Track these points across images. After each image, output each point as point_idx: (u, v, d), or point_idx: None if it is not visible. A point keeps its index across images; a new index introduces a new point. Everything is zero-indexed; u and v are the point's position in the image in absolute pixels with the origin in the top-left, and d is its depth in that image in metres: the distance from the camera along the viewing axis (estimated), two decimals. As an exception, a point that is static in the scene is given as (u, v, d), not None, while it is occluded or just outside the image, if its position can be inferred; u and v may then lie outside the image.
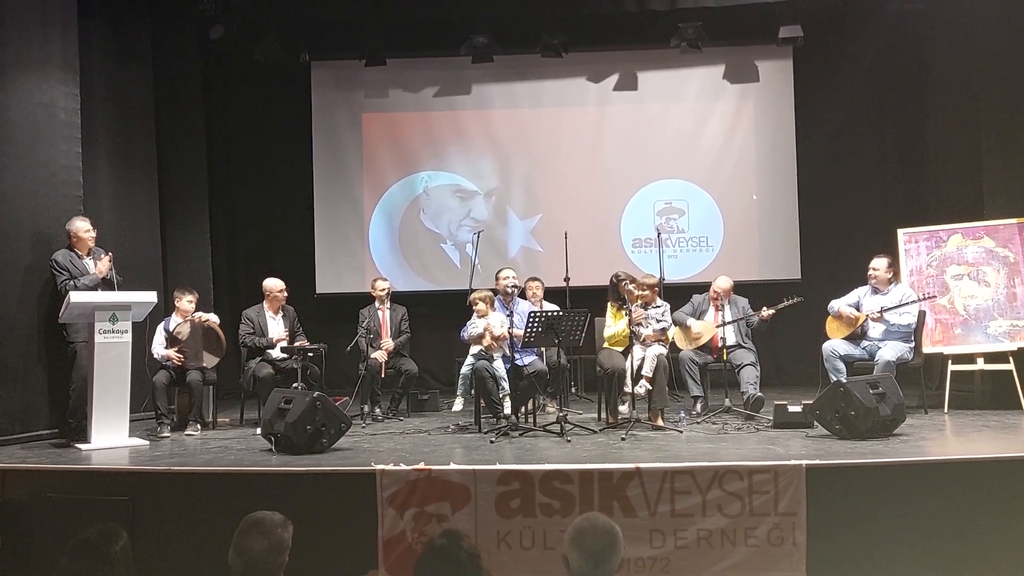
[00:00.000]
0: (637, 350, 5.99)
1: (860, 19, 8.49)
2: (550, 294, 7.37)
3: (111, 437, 5.68)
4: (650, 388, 5.99)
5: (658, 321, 6.21)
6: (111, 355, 5.74)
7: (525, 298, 7.08)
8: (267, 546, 2.71)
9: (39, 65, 6.31)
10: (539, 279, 7.36)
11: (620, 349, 6.20)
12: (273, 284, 6.99)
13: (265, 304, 6.95)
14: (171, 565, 4.30)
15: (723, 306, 6.79)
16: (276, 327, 6.89)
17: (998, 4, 6.90)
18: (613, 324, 6.31)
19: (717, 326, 6.67)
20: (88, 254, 6.13)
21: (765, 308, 6.63)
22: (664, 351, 6.16)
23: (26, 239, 6.12)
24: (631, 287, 6.22)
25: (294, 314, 7.07)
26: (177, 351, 6.38)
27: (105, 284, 6.03)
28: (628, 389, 5.99)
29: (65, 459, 5.30)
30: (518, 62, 9.05)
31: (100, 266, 6.04)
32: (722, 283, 6.88)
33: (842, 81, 8.84)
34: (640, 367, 5.98)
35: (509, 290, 6.76)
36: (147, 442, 5.84)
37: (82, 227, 6.11)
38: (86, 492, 4.61)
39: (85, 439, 5.69)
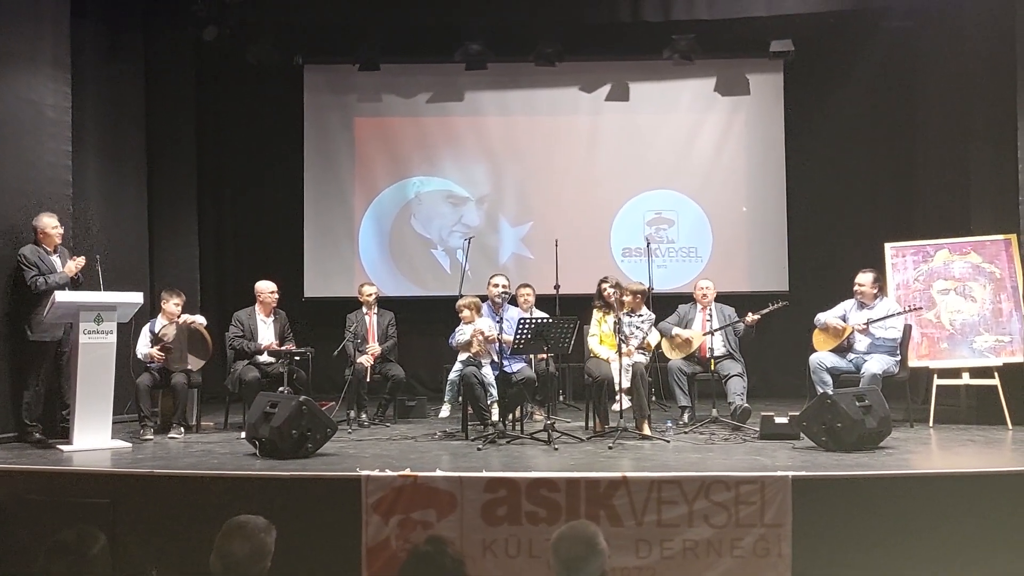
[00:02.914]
0: (617, 361, 5.95)
1: (851, 35, 8.55)
2: (540, 301, 7.36)
3: (93, 439, 5.63)
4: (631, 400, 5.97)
5: (638, 327, 6.18)
6: (95, 356, 5.68)
7: (516, 305, 7.07)
8: (249, 550, 2.68)
9: (29, 62, 6.29)
10: (531, 286, 7.35)
11: (609, 350, 6.16)
12: (264, 286, 6.95)
13: (257, 307, 6.91)
14: (152, 569, 4.25)
15: (711, 314, 6.78)
16: (267, 331, 6.84)
17: (988, 22, 6.97)
18: (597, 328, 6.31)
19: (705, 333, 6.68)
20: (54, 251, 6.04)
21: (751, 313, 6.64)
22: (644, 360, 6.14)
23: (14, 237, 6.04)
24: (611, 290, 6.22)
25: (285, 319, 7.02)
26: (160, 349, 6.33)
27: (72, 284, 5.95)
28: (615, 408, 5.96)
29: (46, 460, 5.23)
30: (512, 70, 9.07)
31: (71, 265, 5.95)
32: (705, 283, 6.93)
33: (832, 95, 8.90)
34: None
35: (498, 298, 6.74)
36: (129, 444, 5.78)
37: (50, 223, 5.98)
38: (67, 494, 4.56)
39: (40, 442, 5.65)
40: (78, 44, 6.82)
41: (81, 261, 6.00)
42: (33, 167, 6.26)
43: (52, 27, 6.45)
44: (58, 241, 6.05)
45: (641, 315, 6.24)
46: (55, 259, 6.01)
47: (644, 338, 6.18)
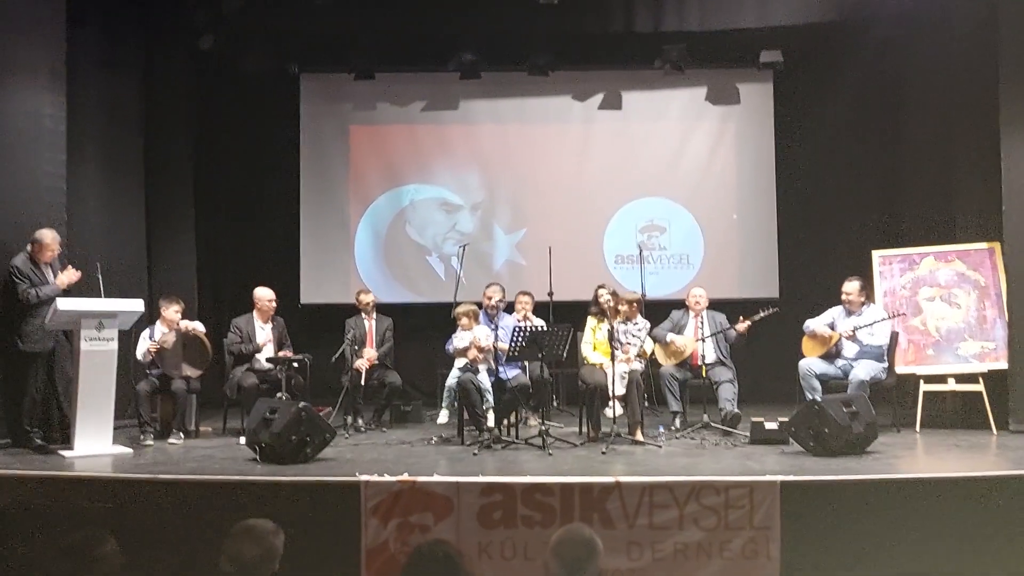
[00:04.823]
0: (614, 367, 6.07)
1: (840, 45, 8.65)
2: (534, 308, 7.43)
3: (94, 444, 5.69)
4: (624, 406, 6.07)
5: (635, 336, 6.29)
6: (96, 362, 5.74)
7: (512, 312, 7.15)
8: (259, 553, 2.75)
9: (27, 72, 6.31)
10: (530, 293, 7.40)
11: (603, 356, 6.26)
12: (263, 293, 7.02)
13: (255, 314, 6.98)
14: (154, 574, 4.31)
15: (703, 321, 6.89)
16: (264, 337, 6.92)
17: (973, 34, 7.10)
18: (592, 335, 6.41)
19: (697, 339, 6.78)
20: (47, 263, 6.00)
21: (741, 320, 6.74)
22: (639, 367, 6.25)
23: (8, 247, 6.05)
24: (608, 297, 6.33)
25: (283, 325, 7.10)
26: (157, 351, 6.38)
27: (62, 296, 5.93)
28: (608, 414, 6.07)
29: (47, 466, 5.28)
30: (505, 79, 9.15)
31: (63, 277, 5.91)
32: (698, 291, 7.04)
33: (821, 105, 8.99)
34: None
35: (492, 309, 6.82)
36: (130, 450, 5.85)
37: (54, 240, 5.94)
38: (69, 499, 4.61)
39: (41, 447, 5.72)
40: (76, 54, 6.83)
41: (76, 274, 5.97)
42: (32, 176, 6.28)
43: (49, 37, 6.48)
44: (52, 256, 5.99)
45: (637, 323, 6.35)
46: (47, 271, 5.98)
47: (641, 345, 6.30)
